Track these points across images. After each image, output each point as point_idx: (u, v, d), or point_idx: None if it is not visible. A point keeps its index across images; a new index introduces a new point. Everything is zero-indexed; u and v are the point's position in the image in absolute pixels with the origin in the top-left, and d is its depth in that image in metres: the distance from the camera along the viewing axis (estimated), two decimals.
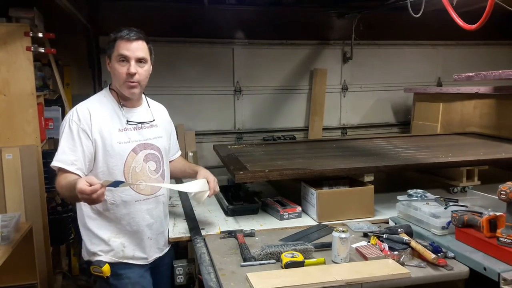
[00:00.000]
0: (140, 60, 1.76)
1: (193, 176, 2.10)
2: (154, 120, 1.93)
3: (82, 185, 1.46)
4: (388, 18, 4.93)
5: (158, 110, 2.02)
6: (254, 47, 4.87)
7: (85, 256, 1.87)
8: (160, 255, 1.97)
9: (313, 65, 5.07)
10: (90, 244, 1.82)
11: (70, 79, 4.28)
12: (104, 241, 1.81)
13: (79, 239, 3.66)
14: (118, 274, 1.81)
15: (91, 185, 1.47)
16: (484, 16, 2.23)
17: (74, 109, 1.78)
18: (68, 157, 1.69)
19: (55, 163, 1.70)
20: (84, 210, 1.81)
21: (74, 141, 1.71)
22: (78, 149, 1.70)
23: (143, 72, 1.78)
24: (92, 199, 1.48)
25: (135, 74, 1.74)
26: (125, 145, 1.78)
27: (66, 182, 1.64)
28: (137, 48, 1.74)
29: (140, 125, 1.85)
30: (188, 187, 1.96)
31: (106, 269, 1.76)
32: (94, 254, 1.81)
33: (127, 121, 1.82)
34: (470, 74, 3.51)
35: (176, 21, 4.59)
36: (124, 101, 1.83)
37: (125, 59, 1.73)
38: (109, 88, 1.87)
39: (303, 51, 5.04)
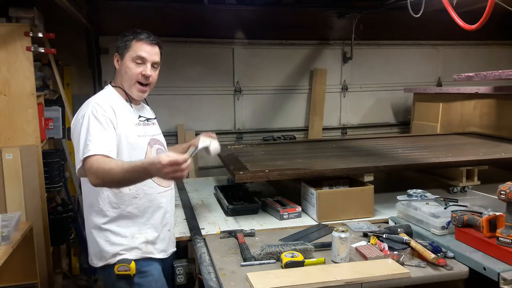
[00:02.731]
0: (154, 65, 1.80)
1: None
2: (155, 118, 1.99)
3: (172, 156, 1.40)
4: (388, 18, 4.93)
5: (152, 108, 2.07)
6: (254, 47, 4.87)
7: (97, 263, 1.77)
8: (175, 250, 1.97)
9: (313, 65, 5.07)
10: (109, 246, 1.74)
11: (70, 79, 4.28)
12: (127, 239, 1.75)
13: (80, 241, 3.70)
14: (142, 271, 1.76)
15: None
16: (484, 16, 2.23)
17: (93, 103, 1.71)
18: (106, 145, 1.62)
19: (96, 150, 1.58)
20: (104, 210, 1.74)
21: (106, 130, 1.66)
22: (111, 138, 1.67)
23: (155, 76, 1.82)
24: (181, 171, 1.42)
25: (149, 76, 1.77)
26: (143, 138, 1.81)
27: (120, 163, 1.56)
28: (155, 52, 1.80)
29: (147, 121, 1.88)
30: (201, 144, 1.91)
31: (133, 266, 1.72)
32: (116, 254, 1.74)
33: (139, 116, 1.84)
34: (470, 74, 3.51)
35: (176, 21, 4.59)
36: (131, 98, 1.85)
37: (142, 61, 1.76)
38: (112, 86, 1.85)
39: (303, 51, 5.04)
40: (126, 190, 1.73)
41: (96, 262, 1.79)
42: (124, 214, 1.76)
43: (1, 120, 2.77)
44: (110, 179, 1.56)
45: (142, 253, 1.78)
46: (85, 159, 1.59)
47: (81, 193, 3.82)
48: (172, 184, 1.91)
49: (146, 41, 1.77)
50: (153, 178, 1.75)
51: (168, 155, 1.42)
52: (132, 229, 1.77)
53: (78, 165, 1.64)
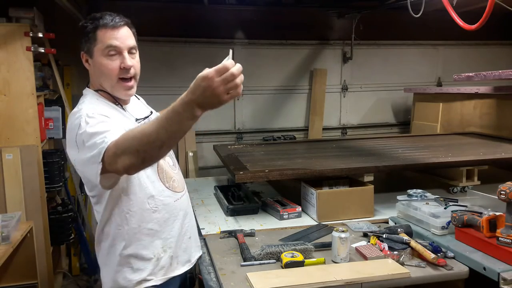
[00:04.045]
0: (131, 50, 1.49)
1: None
2: (152, 113, 1.73)
3: (220, 67, 1.13)
4: (388, 18, 4.93)
5: (143, 101, 1.80)
6: (254, 47, 4.87)
7: None
8: (200, 253, 1.80)
9: (313, 65, 5.07)
10: (132, 273, 1.51)
11: (70, 79, 4.28)
12: (152, 261, 1.53)
13: (80, 241, 3.70)
14: None
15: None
16: (484, 16, 2.23)
17: (84, 112, 1.39)
18: (120, 132, 1.29)
19: (112, 137, 1.26)
20: (123, 234, 1.50)
21: (112, 122, 1.38)
22: (121, 128, 1.36)
23: (137, 63, 1.51)
24: (234, 78, 1.17)
25: (131, 67, 1.47)
26: None
27: (149, 121, 1.24)
28: (127, 35, 1.48)
29: (144, 121, 1.61)
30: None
31: None
32: (141, 281, 1.51)
33: (136, 119, 1.58)
34: (470, 74, 3.51)
35: (176, 21, 4.59)
36: (118, 99, 1.57)
37: (115, 51, 1.45)
38: (93, 90, 1.55)
39: (303, 51, 5.04)
40: (145, 205, 1.51)
41: None
42: (145, 233, 1.52)
43: (1, 120, 2.78)
44: (147, 144, 1.18)
45: (167, 271, 1.58)
46: (103, 155, 1.25)
47: (81, 193, 3.84)
48: (185, 187, 1.71)
49: (113, 25, 1.46)
50: (167, 185, 1.57)
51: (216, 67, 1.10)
52: (155, 246, 1.54)
53: (97, 175, 1.30)
